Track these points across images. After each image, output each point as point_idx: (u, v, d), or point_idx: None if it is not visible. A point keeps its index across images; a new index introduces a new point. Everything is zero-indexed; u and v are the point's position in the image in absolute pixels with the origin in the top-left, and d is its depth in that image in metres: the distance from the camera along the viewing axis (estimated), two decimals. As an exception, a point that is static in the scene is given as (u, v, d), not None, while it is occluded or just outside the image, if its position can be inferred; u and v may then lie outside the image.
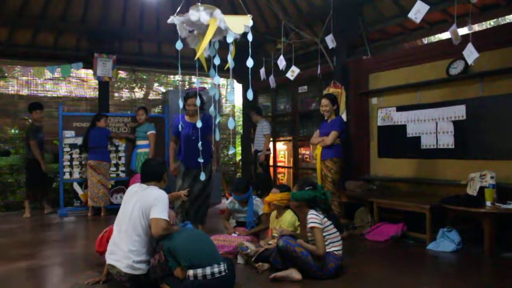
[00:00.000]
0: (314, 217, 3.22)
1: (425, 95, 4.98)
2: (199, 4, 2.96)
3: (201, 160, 3.81)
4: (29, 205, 6.23)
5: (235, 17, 3.05)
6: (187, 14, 2.99)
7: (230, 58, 3.00)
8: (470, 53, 3.52)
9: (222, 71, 3.21)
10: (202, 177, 3.58)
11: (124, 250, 2.83)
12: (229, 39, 2.93)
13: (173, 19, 3.10)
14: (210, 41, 3.23)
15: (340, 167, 4.66)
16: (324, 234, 3.23)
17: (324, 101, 4.76)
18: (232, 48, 3.08)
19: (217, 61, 3.14)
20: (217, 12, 2.92)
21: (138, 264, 2.82)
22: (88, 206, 6.37)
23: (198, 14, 2.94)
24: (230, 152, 3.33)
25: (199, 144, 3.42)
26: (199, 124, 3.28)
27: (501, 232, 3.90)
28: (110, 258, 2.88)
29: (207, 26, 2.94)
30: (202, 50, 3.01)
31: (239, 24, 2.93)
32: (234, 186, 4.22)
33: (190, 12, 2.98)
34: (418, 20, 3.60)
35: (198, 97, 3.67)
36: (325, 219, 3.26)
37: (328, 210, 3.38)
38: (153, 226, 2.83)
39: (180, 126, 4.20)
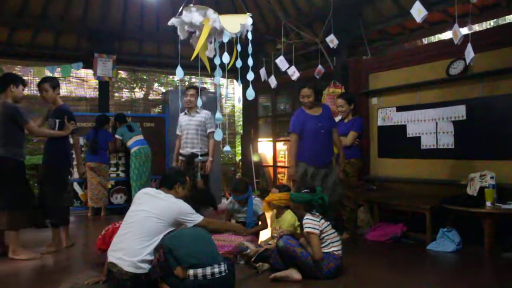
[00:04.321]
0: (309, 222, 3.21)
1: (425, 95, 4.98)
2: (191, 5, 2.96)
3: (200, 158, 3.86)
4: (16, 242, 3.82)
5: (231, 17, 3.05)
6: (181, 16, 3.00)
7: (226, 56, 2.99)
8: (469, 54, 3.52)
9: (224, 71, 3.21)
10: (199, 176, 3.56)
11: (130, 247, 2.84)
12: (225, 39, 2.93)
13: (173, 21, 3.10)
14: (215, 41, 3.24)
15: (358, 169, 4.58)
16: (323, 235, 3.23)
17: (340, 101, 4.68)
18: (239, 47, 3.08)
19: (217, 61, 3.14)
20: (210, 12, 2.92)
21: (141, 263, 2.82)
22: (88, 206, 6.37)
23: (191, 15, 2.94)
24: (225, 149, 3.34)
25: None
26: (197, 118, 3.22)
27: (501, 232, 3.90)
28: (113, 256, 2.88)
29: (207, 26, 2.94)
30: (198, 50, 3.01)
31: (234, 24, 2.93)
32: (233, 187, 4.22)
33: (183, 13, 2.98)
34: (419, 20, 3.59)
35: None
36: (323, 221, 3.25)
37: (325, 213, 3.36)
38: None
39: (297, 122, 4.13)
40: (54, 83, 4.20)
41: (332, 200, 4.07)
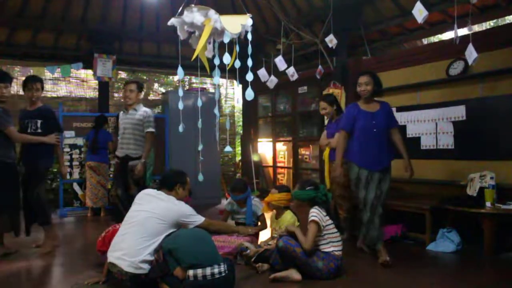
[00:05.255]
0: (316, 213, 3.23)
1: (425, 96, 4.98)
2: (193, 5, 2.96)
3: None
4: None
5: (232, 17, 3.05)
6: (182, 16, 3.00)
7: (226, 57, 2.99)
8: (470, 54, 3.52)
9: (224, 71, 3.21)
10: (200, 178, 3.51)
11: (131, 247, 2.84)
12: (226, 40, 2.93)
13: (173, 21, 3.10)
14: (214, 41, 3.24)
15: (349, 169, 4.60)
16: (324, 233, 3.24)
17: (322, 104, 4.67)
18: (237, 48, 3.08)
19: (217, 61, 3.14)
20: (211, 12, 2.92)
21: (142, 263, 2.82)
22: (87, 207, 6.37)
23: (192, 15, 2.94)
24: (225, 150, 3.31)
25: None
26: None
27: (501, 232, 3.90)
28: (113, 256, 2.88)
29: (207, 26, 2.94)
30: (199, 51, 3.01)
31: (235, 24, 2.93)
32: (232, 187, 4.22)
33: (184, 13, 2.98)
34: (420, 20, 3.60)
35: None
36: (327, 217, 3.27)
37: (329, 211, 3.38)
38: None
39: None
40: (43, 84, 4.22)
41: (377, 210, 3.72)
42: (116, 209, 4.40)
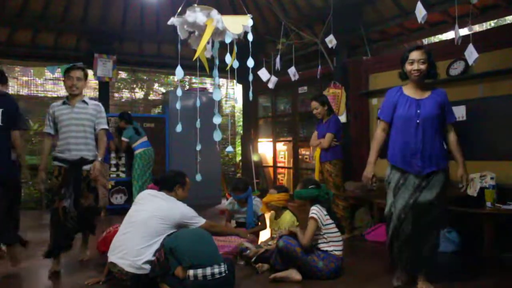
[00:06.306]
0: (317, 210, 3.25)
1: (425, 96, 4.97)
2: (195, 5, 2.96)
3: (199, 158, 3.74)
4: None
5: (233, 17, 3.06)
6: (185, 15, 3.00)
7: (229, 57, 2.99)
8: (471, 54, 3.53)
9: (223, 72, 3.21)
10: (198, 178, 3.48)
11: (131, 247, 2.84)
12: (227, 40, 2.93)
13: (173, 20, 3.10)
14: (213, 42, 3.24)
15: (341, 169, 4.62)
16: (324, 232, 3.25)
17: (313, 104, 4.73)
18: (235, 48, 3.08)
19: (217, 61, 3.15)
20: (214, 12, 2.93)
21: (142, 263, 2.83)
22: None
23: (195, 15, 2.95)
24: (227, 150, 3.28)
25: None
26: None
27: (501, 232, 3.90)
28: (113, 256, 2.89)
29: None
30: (200, 51, 3.01)
31: (237, 25, 2.94)
32: (233, 186, 4.22)
33: (187, 13, 2.98)
34: (420, 20, 3.60)
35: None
36: (327, 217, 3.27)
37: (330, 209, 3.38)
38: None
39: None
40: (3, 73, 3.79)
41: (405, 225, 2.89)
42: (58, 228, 3.43)
